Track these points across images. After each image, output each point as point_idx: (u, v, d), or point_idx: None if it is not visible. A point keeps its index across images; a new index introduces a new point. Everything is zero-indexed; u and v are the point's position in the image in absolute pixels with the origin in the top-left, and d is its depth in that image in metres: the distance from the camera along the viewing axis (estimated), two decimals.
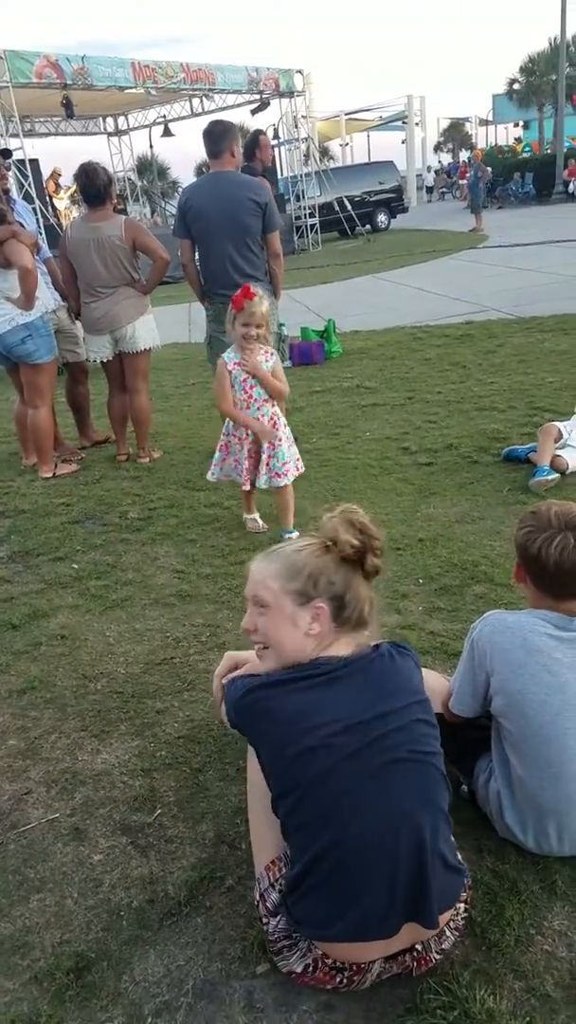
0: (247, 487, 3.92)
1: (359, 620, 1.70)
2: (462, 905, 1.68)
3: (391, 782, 1.54)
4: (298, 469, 3.94)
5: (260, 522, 4.07)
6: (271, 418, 3.81)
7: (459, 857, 1.68)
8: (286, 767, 1.57)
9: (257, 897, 1.73)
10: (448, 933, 1.65)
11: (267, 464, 3.80)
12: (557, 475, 4.17)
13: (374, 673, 1.62)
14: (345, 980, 1.62)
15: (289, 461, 3.86)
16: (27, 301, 4.82)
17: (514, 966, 1.68)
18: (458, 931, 1.69)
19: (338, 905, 1.54)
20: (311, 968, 1.64)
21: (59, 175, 19.08)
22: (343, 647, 1.68)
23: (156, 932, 1.87)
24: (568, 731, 1.80)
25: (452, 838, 1.65)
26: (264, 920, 1.69)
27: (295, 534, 3.69)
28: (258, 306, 3.59)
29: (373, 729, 1.55)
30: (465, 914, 1.71)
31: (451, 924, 1.65)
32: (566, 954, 1.70)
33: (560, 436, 4.32)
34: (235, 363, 3.75)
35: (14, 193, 7.65)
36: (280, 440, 3.82)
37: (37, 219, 5.59)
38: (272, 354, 3.79)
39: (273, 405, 3.84)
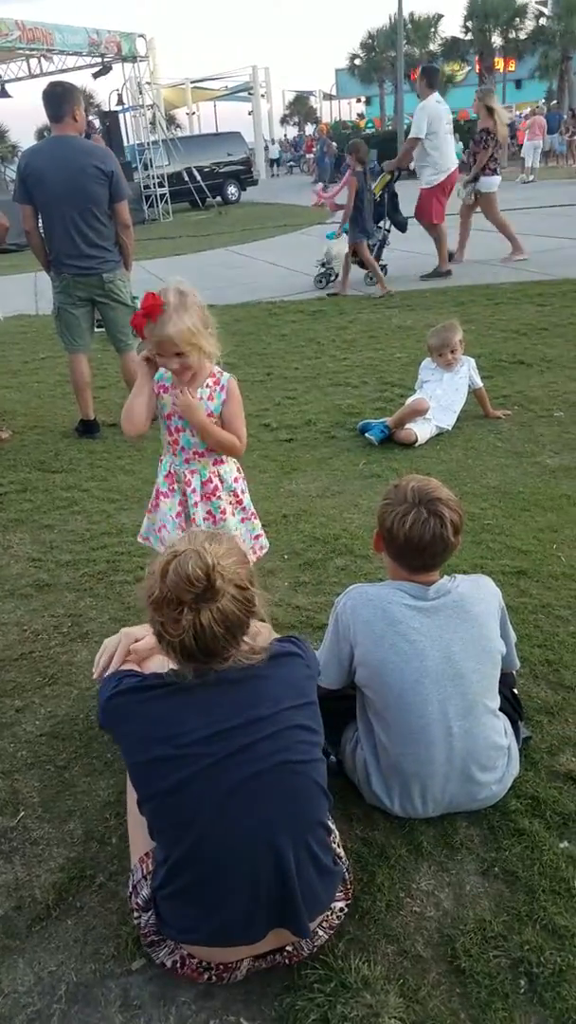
0: None
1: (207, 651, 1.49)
2: (338, 904, 1.68)
3: (253, 795, 1.48)
4: (254, 552, 2.71)
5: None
6: (213, 485, 2.56)
7: (337, 856, 1.68)
8: (143, 773, 1.54)
9: (130, 889, 1.70)
10: (322, 933, 1.65)
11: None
12: (378, 439, 4.47)
13: (246, 679, 1.52)
14: (214, 977, 1.62)
15: (250, 536, 2.70)
16: None
17: (386, 931, 1.74)
18: (332, 929, 1.68)
19: (200, 911, 1.52)
20: (179, 964, 1.63)
21: None
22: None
23: (24, 940, 1.80)
24: (427, 698, 1.87)
25: (330, 841, 1.64)
26: (136, 915, 1.66)
27: None
28: (163, 327, 2.27)
29: (238, 738, 1.48)
30: (342, 912, 1.70)
31: (324, 924, 1.65)
32: (433, 913, 1.78)
33: (424, 411, 4.47)
34: (161, 385, 2.49)
35: None
36: (238, 509, 2.66)
37: None
38: (221, 388, 2.49)
39: (215, 460, 2.56)
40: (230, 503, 2.61)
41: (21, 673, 2.76)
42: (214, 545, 1.49)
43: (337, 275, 9.31)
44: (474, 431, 4.64)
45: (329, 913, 1.65)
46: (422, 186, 8.86)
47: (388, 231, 9.36)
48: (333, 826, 1.71)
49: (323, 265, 9.53)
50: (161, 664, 1.71)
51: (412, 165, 8.99)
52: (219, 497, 2.57)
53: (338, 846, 1.72)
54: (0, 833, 2.09)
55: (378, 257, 9.16)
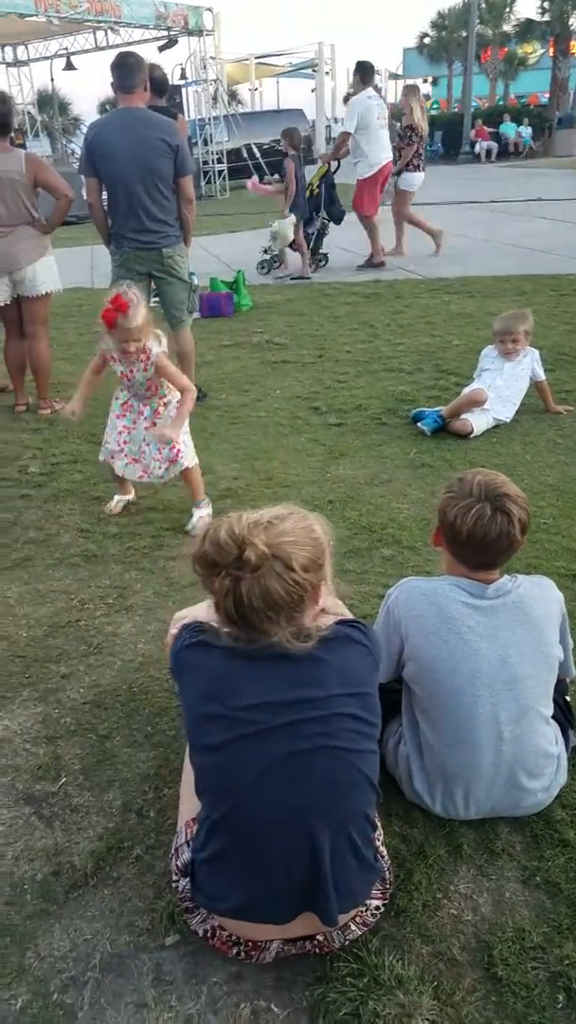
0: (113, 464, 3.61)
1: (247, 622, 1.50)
2: (374, 902, 1.66)
3: (293, 773, 1.48)
4: (191, 459, 3.56)
5: (115, 506, 3.74)
6: (156, 407, 3.51)
7: (380, 854, 1.67)
8: (196, 725, 1.56)
9: (172, 850, 1.71)
10: (354, 928, 1.64)
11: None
12: (431, 428, 4.42)
13: (303, 657, 1.51)
14: (242, 953, 1.63)
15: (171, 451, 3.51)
16: None
17: (422, 931, 1.72)
18: (366, 925, 1.67)
19: (231, 881, 1.53)
20: (210, 934, 1.64)
21: None
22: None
23: (61, 905, 1.83)
24: (478, 698, 1.84)
25: (373, 836, 1.62)
26: (175, 878, 1.67)
27: (204, 508, 3.62)
28: (131, 321, 3.13)
29: (285, 713, 1.48)
30: (378, 910, 1.69)
31: (358, 919, 1.64)
32: (471, 917, 1.76)
33: (482, 402, 4.39)
34: (109, 355, 3.36)
35: None
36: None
37: None
38: (151, 363, 3.32)
39: (160, 398, 3.50)
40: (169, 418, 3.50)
41: (67, 641, 2.79)
42: (274, 521, 1.49)
43: (281, 262, 9.65)
44: (533, 425, 4.55)
45: (364, 910, 1.64)
46: (358, 178, 9.21)
47: (326, 221, 9.57)
48: (378, 822, 1.70)
49: (266, 251, 9.72)
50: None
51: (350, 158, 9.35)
52: (161, 417, 3.51)
53: (381, 843, 1.70)
54: (42, 797, 2.12)
55: (317, 247, 9.64)
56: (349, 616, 1.90)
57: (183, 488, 3.75)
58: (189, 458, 3.54)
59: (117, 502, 3.74)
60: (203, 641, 1.58)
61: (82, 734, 2.35)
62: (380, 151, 8.97)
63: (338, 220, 9.59)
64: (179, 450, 3.49)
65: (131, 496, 3.79)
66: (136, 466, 3.55)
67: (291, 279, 9.24)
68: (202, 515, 3.57)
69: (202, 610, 2.04)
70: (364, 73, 9.12)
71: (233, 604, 1.46)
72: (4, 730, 2.38)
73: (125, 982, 1.66)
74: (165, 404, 3.54)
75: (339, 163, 9.53)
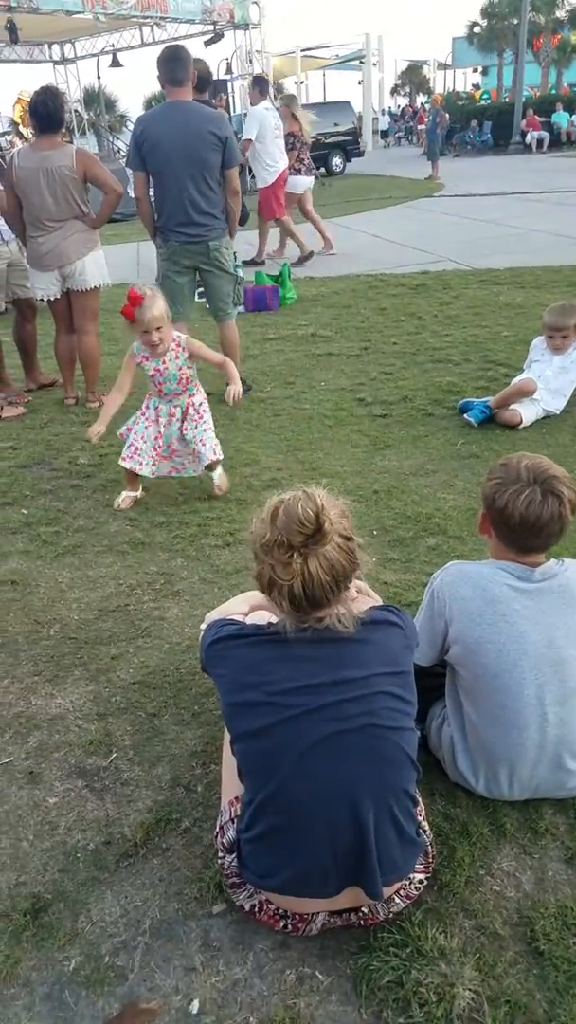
0: (140, 471, 3.70)
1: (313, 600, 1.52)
2: (418, 875, 1.69)
3: (336, 752, 1.51)
4: (215, 453, 3.72)
5: (123, 502, 3.78)
6: (186, 407, 3.69)
7: (422, 828, 1.69)
8: (234, 714, 1.60)
9: (217, 828, 1.76)
10: (398, 900, 1.67)
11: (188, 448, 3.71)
12: (478, 420, 4.42)
13: (340, 639, 1.54)
14: (289, 926, 1.67)
15: (211, 442, 3.71)
16: None
17: (464, 905, 1.74)
18: (409, 899, 1.69)
19: (279, 858, 1.57)
20: (257, 909, 1.68)
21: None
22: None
23: (112, 873, 1.89)
24: (523, 680, 1.85)
25: (414, 811, 1.64)
26: (220, 855, 1.72)
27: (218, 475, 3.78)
28: (150, 311, 3.33)
29: (325, 695, 1.51)
30: (421, 883, 1.72)
31: (402, 892, 1.67)
32: (514, 894, 1.77)
33: (532, 392, 4.36)
34: (142, 356, 3.55)
35: None
36: (201, 421, 3.70)
37: None
38: (182, 348, 3.53)
39: (189, 395, 3.69)
40: (195, 418, 3.67)
41: (117, 624, 2.87)
42: (321, 492, 1.53)
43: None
44: None
45: (407, 883, 1.67)
46: (259, 186, 9.61)
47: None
48: (419, 798, 1.72)
49: None
50: (260, 620, 1.77)
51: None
52: (189, 417, 3.66)
53: (424, 819, 1.73)
54: (93, 771, 2.19)
55: None
56: (377, 597, 1.96)
57: (229, 478, 3.82)
58: (209, 454, 3.68)
59: (124, 498, 3.79)
60: (231, 634, 1.63)
61: (132, 712, 2.42)
62: (277, 159, 9.44)
63: (243, 220, 9.93)
64: (199, 450, 3.68)
65: (139, 493, 3.84)
66: (166, 463, 3.75)
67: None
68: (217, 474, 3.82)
69: (235, 605, 2.10)
70: (261, 86, 9.72)
71: (302, 584, 1.48)
72: (57, 707, 2.46)
73: (174, 947, 1.71)
74: (194, 404, 3.70)
75: (240, 167, 10.08)
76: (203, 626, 1.99)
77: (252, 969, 1.65)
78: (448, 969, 1.59)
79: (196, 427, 3.68)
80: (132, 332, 3.48)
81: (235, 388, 3.59)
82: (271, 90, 10.07)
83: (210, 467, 3.75)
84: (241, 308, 6.54)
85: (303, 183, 10.07)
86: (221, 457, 3.77)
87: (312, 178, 10.32)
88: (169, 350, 3.49)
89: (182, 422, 3.69)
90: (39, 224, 4.80)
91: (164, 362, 3.49)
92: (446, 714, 2.06)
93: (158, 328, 3.37)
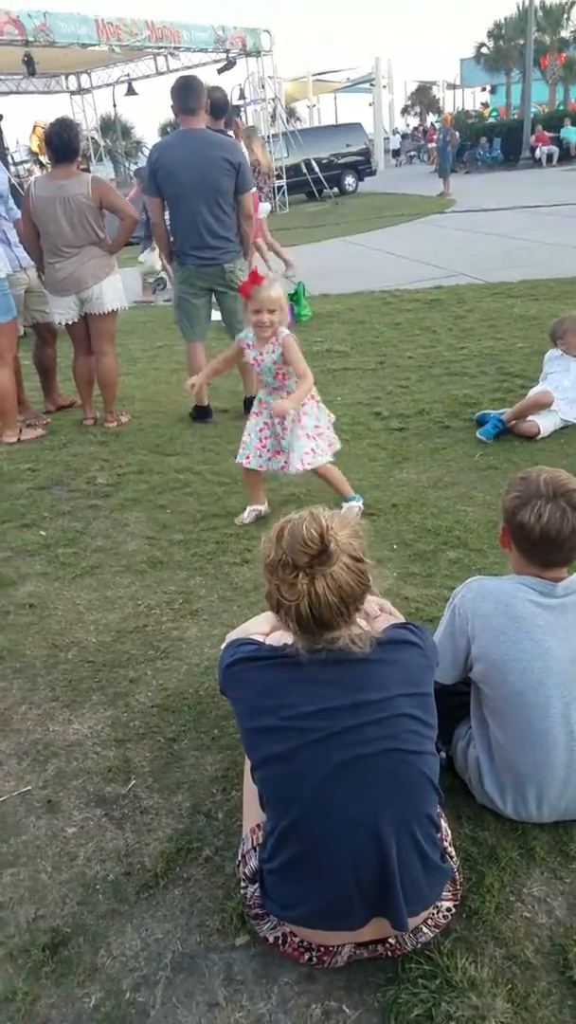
0: (247, 464, 3.60)
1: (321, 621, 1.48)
2: (445, 903, 1.63)
3: (357, 778, 1.47)
4: (303, 464, 3.45)
5: (247, 516, 3.72)
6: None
7: (447, 854, 1.64)
8: (253, 740, 1.56)
9: (239, 858, 1.71)
10: (425, 930, 1.61)
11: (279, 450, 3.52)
12: (490, 436, 4.36)
13: (358, 661, 1.50)
14: (315, 958, 1.61)
15: (301, 451, 3.44)
16: None
17: (495, 933, 1.68)
18: (437, 927, 1.63)
19: (302, 888, 1.52)
20: (281, 941, 1.63)
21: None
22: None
23: (133, 905, 1.84)
24: (550, 697, 1.79)
25: (439, 837, 1.59)
26: (243, 885, 1.68)
27: (357, 500, 3.69)
28: (266, 290, 3.27)
29: (344, 718, 1.47)
30: (449, 912, 1.66)
31: (429, 921, 1.61)
32: (545, 920, 1.71)
33: (549, 404, 4.32)
34: (245, 343, 3.48)
35: None
36: (297, 427, 3.43)
37: (9, 178, 5.35)
38: (279, 342, 3.37)
39: (286, 394, 3.44)
40: (292, 422, 3.43)
41: (135, 645, 2.84)
42: (329, 513, 1.50)
43: (165, 285, 10.39)
44: None
45: (435, 911, 1.61)
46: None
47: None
48: (444, 823, 1.67)
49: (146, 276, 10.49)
50: (279, 640, 1.72)
51: None
52: (288, 418, 3.41)
53: (449, 844, 1.67)
54: (112, 800, 2.15)
55: None
56: (398, 614, 1.91)
57: (247, 496, 3.78)
58: (321, 458, 3.48)
59: (249, 512, 3.72)
60: (247, 656, 1.60)
61: (151, 737, 2.38)
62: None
63: None
64: (311, 449, 3.45)
65: (264, 507, 3.75)
66: (279, 458, 3.55)
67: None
68: (352, 505, 3.66)
69: (256, 625, 2.06)
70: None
71: (308, 605, 1.45)
72: (75, 734, 2.43)
73: (196, 981, 1.66)
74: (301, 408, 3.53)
75: None
76: (223, 646, 1.95)
77: (277, 1004, 1.60)
78: (479, 1001, 1.52)
79: (292, 432, 3.46)
80: (246, 313, 3.41)
81: (289, 405, 3.25)
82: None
83: (347, 499, 3.65)
84: None
85: (264, 209, 10.32)
86: (311, 467, 3.48)
87: (269, 205, 10.86)
88: (269, 343, 3.41)
89: (283, 420, 3.47)
90: (57, 251, 4.86)
91: (262, 353, 3.43)
92: (471, 735, 2.00)
93: (271, 311, 3.30)
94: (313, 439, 3.45)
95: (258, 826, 1.67)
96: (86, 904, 1.85)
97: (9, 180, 5.32)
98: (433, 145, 27.45)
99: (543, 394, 4.33)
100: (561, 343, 4.52)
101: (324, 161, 23.41)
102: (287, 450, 3.48)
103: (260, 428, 3.57)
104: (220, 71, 19.44)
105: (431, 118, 52.56)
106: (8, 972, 1.70)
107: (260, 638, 1.83)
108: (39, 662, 2.80)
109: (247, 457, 3.57)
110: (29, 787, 2.22)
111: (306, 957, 1.62)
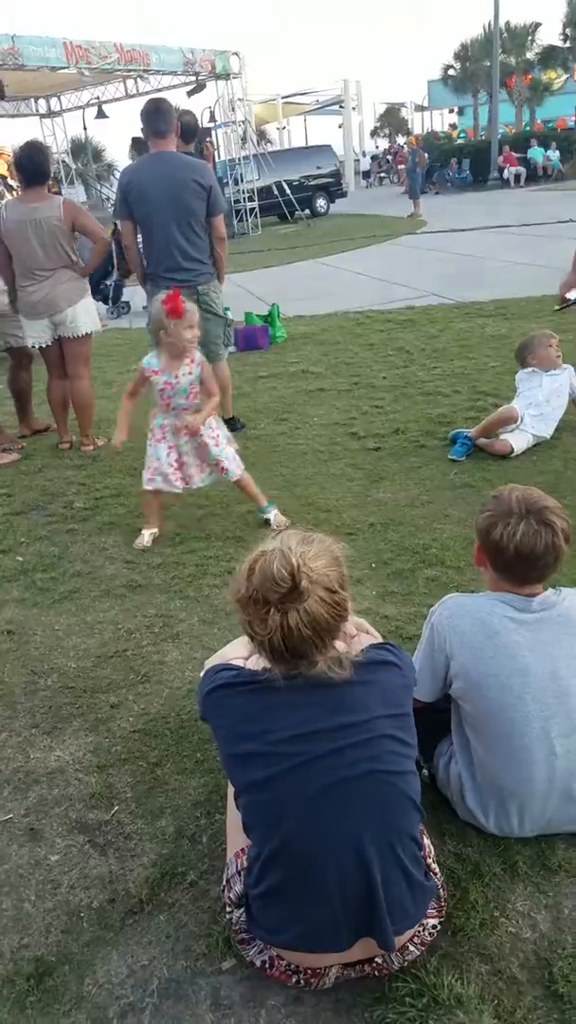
0: (164, 488, 3.71)
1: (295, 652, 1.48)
2: (431, 921, 1.64)
3: (340, 801, 1.47)
4: (241, 468, 3.78)
5: (147, 539, 3.78)
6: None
7: (431, 872, 1.65)
8: (235, 766, 1.56)
9: (224, 882, 1.71)
10: (413, 948, 1.62)
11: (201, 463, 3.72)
12: (460, 455, 4.44)
13: (337, 684, 1.50)
14: (302, 981, 1.61)
15: (231, 456, 3.73)
16: None
17: (480, 949, 1.69)
18: (424, 945, 1.64)
19: (288, 913, 1.52)
20: (268, 964, 1.63)
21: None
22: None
23: (118, 932, 1.83)
24: (529, 713, 1.82)
25: (422, 856, 1.60)
26: (228, 910, 1.67)
27: (272, 510, 3.81)
28: (192, 306, 3.47)
29: (327, 741, 1.47)
30: (435, 929, 1.66)
31: (416, 939, 1.61)
32: (530, 935, 1.72)
33: (515, 420, 4.39)
34: (151, 371, 3.54)
35: None
36: (212, 439, 3.67)
37: None
38: (197, 365, 3.57)
39: (195, 412, 3.63)
40: (210, 437, 3.67)
41: (115, 670, 2.83)
42: (303, 547, 1.48)
43: (129, 308, 10.67)
44: (574, 442, 4.51)
45: (421, 929, 1.62)
46: None
47: (124, 276, 10.19)
48: (427, 841, 1.68)
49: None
50: (257, 664, 1.73)
51: None
52: (201, 434, 3.63)
53: (432, 861, 1.68)
54: (95, 826, 2.14)
55: (117, 297, 10.60)
56: (377, 635, 1.93)
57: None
58: (236, 470, 3.73)
59: (149, 537, 3.77)
60: (227, 682, 1.59)
61: (133, 762, 2.37)
62: None
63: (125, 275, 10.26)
64: (224, 467, 3.70)
65: (157, 530, 3.83)
66: (177, 475, 3.71)
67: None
68: (274, 513, 3.83)
69: (234, 649, 2.06)
70: (139, 149, 10.41)
71: (282, 638, 1.44)
72: (56, 760, 2.41)
73: (184, 1007, 1.65)
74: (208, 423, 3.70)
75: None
76: (201, 674, 1.96)
77: None
78: (466, 1018, 1.53)
79: (216, 445, 3.68)
80: (173, 328, 3.41)
81: (198, 420, 3.56)
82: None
83: (262, 510, 3.83)
84: (232, 348, 6.60)
85: None
86: (242, 468, 3.78)
87: None
88: (184, 364, 3.54)
89: (188, 437, 3.67)
90: (29, 274, 4.86)
91: (177, 376, 3.52)
92: (453, 751, 2.02)
93: (192, 327, 3.46)
94: (231, 445, 3.76)
95: (242, 850, 1.67)
96: (71, 932, 1.84)
97: None
98: (403, 167, 27.88)
99: (508, 409, 4.42)
100: (532, 359, 4.60)
101: (295, 183, 23.66)
102: (214, 462, 3.70)
103: (167, 452, 3.67)
104: (190, 93, 19.61)
105: (400, 139, 53.29)
106: None
107: (239, 662, 1.84)
108: (18, 689, 2.78)
109: (171, 483, 3.69)
110: (11, 815, 2.20)
111: (294, 980, 1.62)
